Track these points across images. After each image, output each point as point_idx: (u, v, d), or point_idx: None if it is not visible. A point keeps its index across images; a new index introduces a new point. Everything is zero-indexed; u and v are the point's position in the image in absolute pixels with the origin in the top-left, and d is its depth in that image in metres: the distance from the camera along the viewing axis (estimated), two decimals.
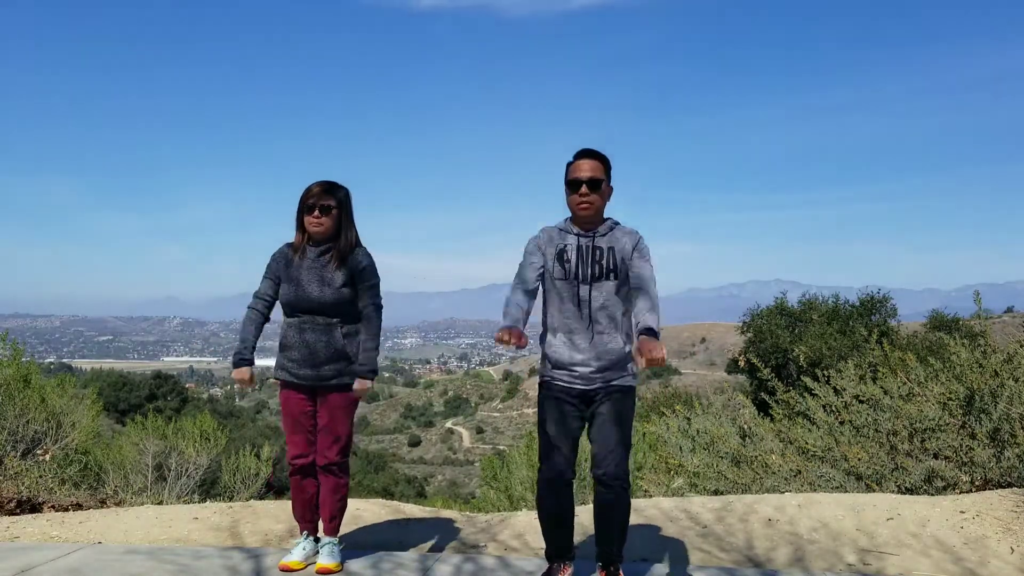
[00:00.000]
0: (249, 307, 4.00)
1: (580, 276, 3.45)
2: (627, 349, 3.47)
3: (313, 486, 3.90)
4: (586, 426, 3.52)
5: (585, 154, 3.48)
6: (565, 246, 3.49)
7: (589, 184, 3.41)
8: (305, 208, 3.81)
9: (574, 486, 3.63)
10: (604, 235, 3.49)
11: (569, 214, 3.55)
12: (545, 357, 3.57)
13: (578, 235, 3.50)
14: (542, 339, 3.60)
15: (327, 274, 3.80)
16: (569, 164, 3.50)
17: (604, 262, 3.45)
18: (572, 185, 3.45)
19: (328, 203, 3.78)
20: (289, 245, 3.92)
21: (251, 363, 3.91)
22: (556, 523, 3.50)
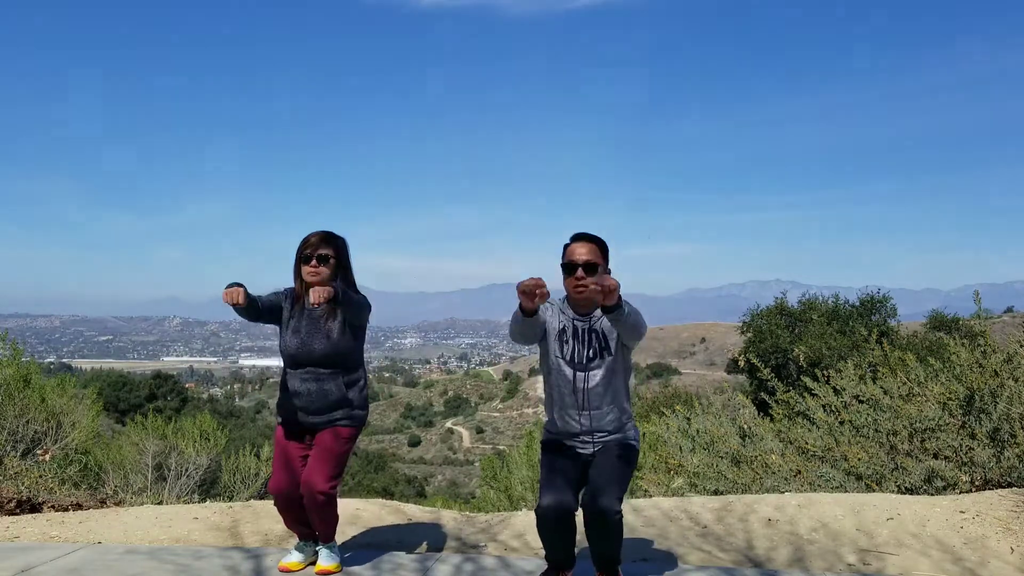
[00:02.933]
0: None
1: (576, 361, 3.52)
2: (623, 418, 3.58)
3: (297, 506, 3.81)
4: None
5: (581, 237, 3.51)
6: (564, 327, 3.55)
7: (585, 268, 3.44)
8: (303, 258, 3.82)
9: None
10: (600, 318, 3.52)
11: (565, 295, 3.60)
12: (546, 418, 3.70)
13: (574, 319, 3.55)
14: (544, 401, 3.71)
15: (326, 326, 3.81)
16: (565, 246, 3.53)
17: (598, 345, 3.51)
18: (568, 268, 3.48)
19: (325, 253, 3.80)
20: (291, 293, 3.93)
21: (243, 287, 3.64)
22: (558, 546, 3.51)
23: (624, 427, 3.59)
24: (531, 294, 3.19)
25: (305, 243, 3.83)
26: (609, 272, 3.54)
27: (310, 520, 3.82)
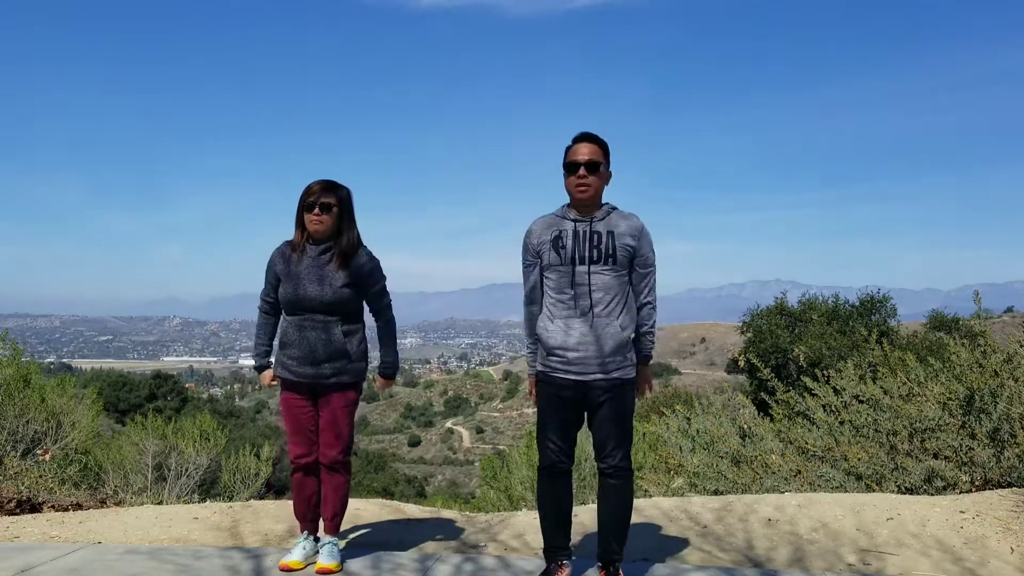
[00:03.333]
0: (259, 308, 4.04)
1: (577, 259, 3.40)
2: (626, 334, 3.41)
3: (315, 484, 3.91)
4: (585, 418, 3.50)
5: (583, 138, 3.46)
6: (561, 232, 3.46)
7: (587, 166, 3.39)
8: (305, 206, 3.79)
9: (574, 486, 3.64)
10: (602, 219, 3.44)
11: (567, 199, 3.52)
12: (540, 343, 3.51)
13: (575, 220, 3.45)
14: (537, 327, 3.54)
15: (327, 273, 3.79)
16: (567, 147, 3.48)
17: (602, 246, 3.40)
18: (570, 168, 3.43)
19: (328, 201, 3.77)
20: (288, 243, 3.91)
21: (269, 365, 4.00)
22: (553, 514, 3.49)
23: (627, 351, 3.42)
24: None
25: (308, 191, 3.79)
26: (610, 175, 3.49)
27: (323, 498, 3.88)
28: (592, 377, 3.38)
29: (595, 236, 3.40)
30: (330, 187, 3.81)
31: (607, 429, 3.39)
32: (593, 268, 3.38)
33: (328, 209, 3.77)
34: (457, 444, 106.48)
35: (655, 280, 3.50)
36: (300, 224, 3.85)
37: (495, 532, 4.64)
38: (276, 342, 3.98)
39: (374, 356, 4.04)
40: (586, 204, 3.44)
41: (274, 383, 3.93)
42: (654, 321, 3.50)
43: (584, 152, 3.41)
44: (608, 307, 3.38)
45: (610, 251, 3.39)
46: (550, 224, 3.50)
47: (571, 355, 3.38)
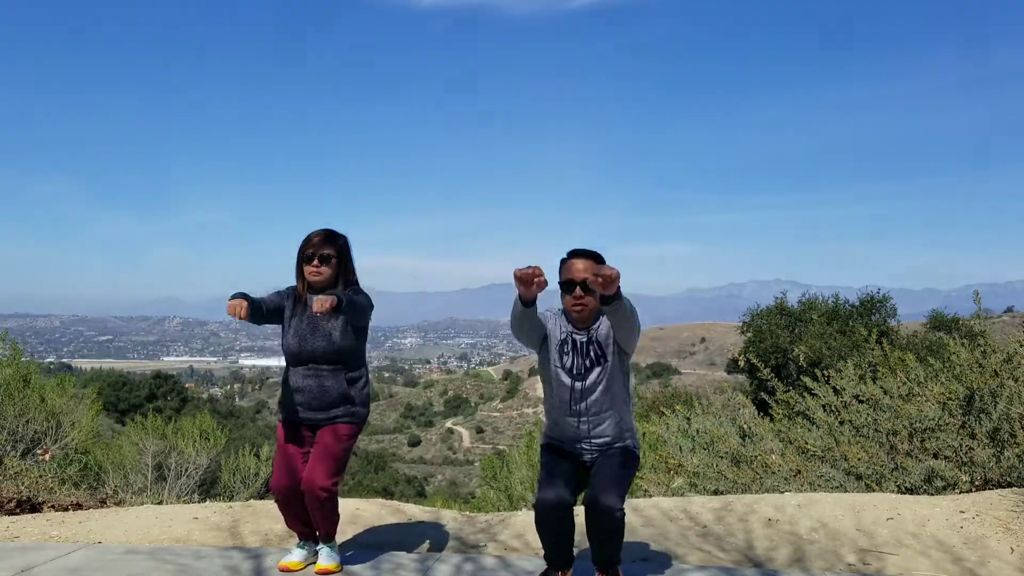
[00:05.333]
0: None
1: (576, 372, 3.53)
2: (623, 427, 3.58)
3: (299, 504, 3.82)
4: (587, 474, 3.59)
5: (579, 254, 3.49)
6: (565, 338, 3.55)
7: (584, 287, 3.44)
8: (305, 258, 3.83)
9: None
10: (597, 330, 3.53)
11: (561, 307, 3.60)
12: (546, 422, 3.71)
13: (572, 332, 3.55)
14: (544, 407, 3.73)
15: (328, 324, 3.81)
16: (563, 262, 3.52)
17: (595, 354, 3.52)
18: (566, 287, 3.48)
19: (327, 252, 3.81)
20: (294, 290, 3.93)
21: (244, 296, 3.68)
22: (556, 543, 3.51)
23: (623, 436, 3.60)
24: (528, 282, 3.15)
25: (307, 242, 3.83)
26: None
27: (311, 518, 3.82)
28: (592, 457, 3.59)
29: (591, 346, 3.53)
30: (329, 238, 3.84)
31: (605, 470, 3.48)
32: (589, 375, 3.54)
33: (327, 260, 3.80)
34: (457, 444, 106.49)
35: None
36: (300, 275, 3.87)
37: (495, 532, 4.64)
38: (281, 390, 3.95)
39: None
40: (583, 321, 3.53)
41: (244, 316, 3.62)
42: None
43: (581, 270, 3.44)
44: (604, 406, 3.57)
45: (601, 352, 3.52)
46: (559, 323, 3.60)
47: (572, 447, 3.61)
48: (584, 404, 3.52)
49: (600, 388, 3.52)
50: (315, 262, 3.79)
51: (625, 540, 3.56)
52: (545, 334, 3.58)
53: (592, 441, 3.54)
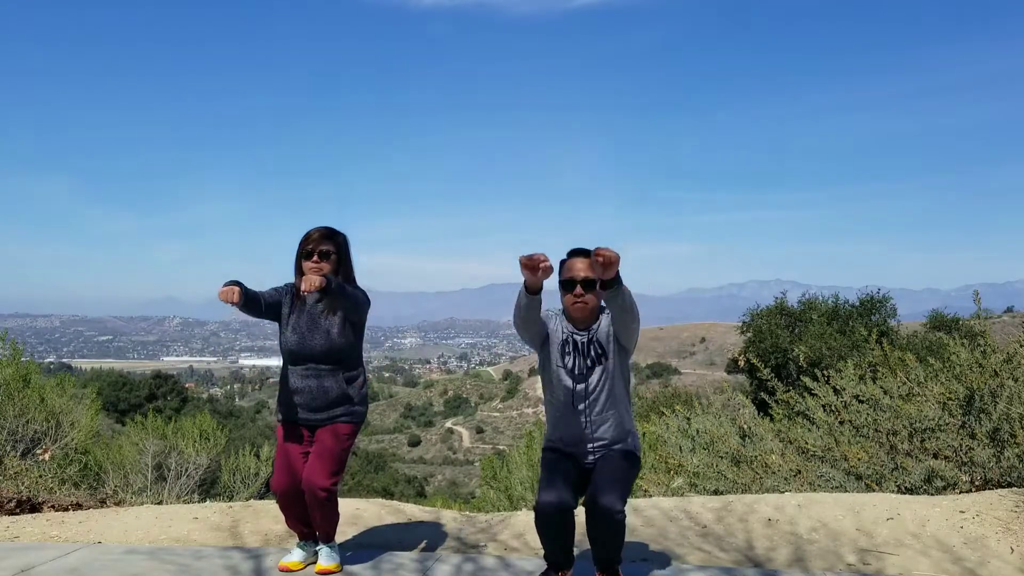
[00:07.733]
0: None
1: (576, 373, 3.52)
2: (624, 428, 3.58)
3: (299, 503, 3.81)
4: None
5: (579, 253, 3.48)
6: (567, 338, 3.55)
7: (584, 284, 3.43)
8: (304, 254, 3.82)
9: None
10: (597, 330, 3.53)
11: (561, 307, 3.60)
12: (547, 424, 3.72)
13: (573, 333, 3.55)
14: (545, 409, 3.73)
15: (325, 322, 3.81)
16: (563, 262, 3.51)
17: (595, 353, 3.52)
18: (566, 285, 3.48)
19: (327, 248, 3.81)
20: (293, 287, 3.92)
21: (237, 284, 3.62)
22: (556, 545, 3.50)
23: (624, 437, 3.60)
24: (534, 268, 3.14)
25: (306, 239, 3.83)
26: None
27: (311, 518, 3.82)
28: (594, 457, 3.59)
29: (591, 346, 3.52)
30: (328, 235, 3.85)
31: (606, 472, 3.48)
32: (590, 375, 3.54)
33: (327, 256, 3.80)
34: (457, 444, 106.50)
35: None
36: (299, 271, 3.86)
37: (495, 532, 4.64)
38: (279, 390, 3.94)
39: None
40: (583, 320, 3.52)
41: (237, 303, 3.58)
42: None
43: (580, 268, 3.45)
44: (606, 406, 3.57)
45: (601, 351, 3.52)
46: (559, 324, 3.59)
47: (572, 449, 3.62)
48: (585, 405, 3.52)
49: (602, 387, 3.52)
50: (315, 258, 3.79)
51: (625, 540, 3.56)
52: (547, 333, 3.58)
53: (594, 442, 3.54)
